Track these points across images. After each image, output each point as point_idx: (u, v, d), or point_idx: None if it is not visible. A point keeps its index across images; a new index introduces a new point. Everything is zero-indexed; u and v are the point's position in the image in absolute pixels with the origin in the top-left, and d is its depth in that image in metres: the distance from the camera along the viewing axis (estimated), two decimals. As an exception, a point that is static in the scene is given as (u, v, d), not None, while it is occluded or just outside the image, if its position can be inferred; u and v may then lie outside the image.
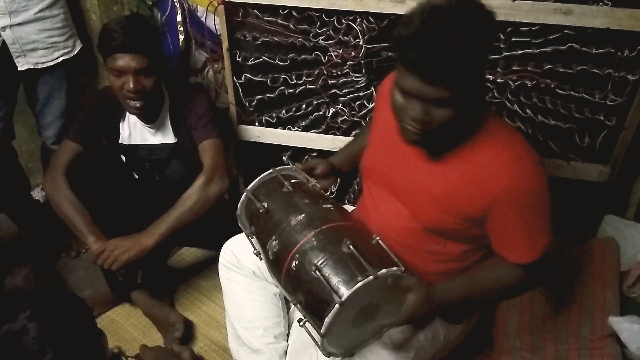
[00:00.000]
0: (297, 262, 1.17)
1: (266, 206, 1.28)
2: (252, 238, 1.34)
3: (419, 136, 1.08)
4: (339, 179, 1.55)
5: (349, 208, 1.51)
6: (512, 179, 1.09)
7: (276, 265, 1.23)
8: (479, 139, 1.14)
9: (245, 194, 1.36)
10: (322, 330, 1.09)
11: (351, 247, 1.12)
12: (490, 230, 1.16)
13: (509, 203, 1.10)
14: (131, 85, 1.59)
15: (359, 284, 1.06)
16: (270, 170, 1.37)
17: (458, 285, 1.19)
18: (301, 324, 1.17)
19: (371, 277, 1.06)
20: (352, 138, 1.60)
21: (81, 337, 0.95)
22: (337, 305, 1.06)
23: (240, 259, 1.48)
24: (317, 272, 1.11)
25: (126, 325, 1.86)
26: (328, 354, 1.18)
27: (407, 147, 1.21)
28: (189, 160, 1.73)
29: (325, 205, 1.27)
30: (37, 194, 2.32)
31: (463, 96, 1.03)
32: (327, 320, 1.07)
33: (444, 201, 1.16)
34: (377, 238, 1.18)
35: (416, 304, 1.10)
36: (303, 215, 1.22)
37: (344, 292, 1.06)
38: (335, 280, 1.09)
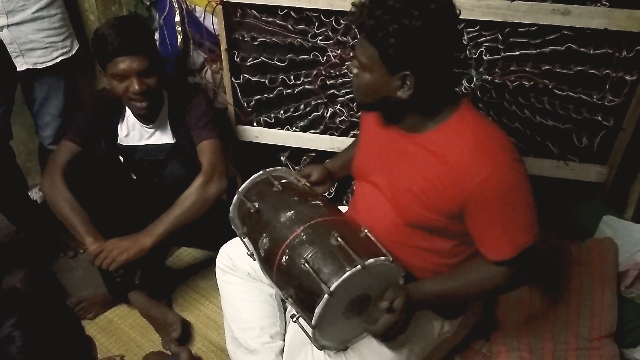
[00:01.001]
0: (287, 257, 1.18)
1: (257, 206, 1.30)
2: (245, 238, 1.35)
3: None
4: (335, 184, 1.57)
5: (345, 209, 1.52)
6: (485, 175, 1.09)
7: (267, 261, 1.24)
8: (451, 129, 1.15)
9: (236, 195, 1.37)
10: (313, 322, 1.10)
11: (339, 239, 1.14)
12: (469, 226, 1.17)
13: (483, 199, 1.11)
14: (136, 87, 1.58)
15: (347, 273, 1.08)
16: (261, 172, 1.38)
17: (436, 285, 1.20)
18: (294, 319, 1.18)
19: (359, 266, 1.08)
20: (349, 144, 1.62)
21: (67, 346, 0.93)
22: (326, 296, 1.07)
23: (235, 262, 1.49)
24: (306, 265, 1.12)
25: (124, 325, 1.85)
26: (321, 347, 1.19)
27: (390, 146, 1.24)
28: (188, 160, 1.73)
29: (314, 202, 1.29)
30: (35, 194, 2.31)
31: (392, 62, 1.08)
32: (317, 311, 1.08)
33: (423, 198, 1.18)
34: (366, 230, 1.20)
35: (396, 314, 1.13)
36: (292, 212, 1.24)
37: (333, 282, 1.08)
38: (324, 271, 1.11)
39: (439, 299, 1.22)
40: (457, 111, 1.16)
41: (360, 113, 1.82)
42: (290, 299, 1.19)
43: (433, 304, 1.26)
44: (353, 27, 1.14)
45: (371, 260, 1.10)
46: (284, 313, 1.50)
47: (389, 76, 1.11)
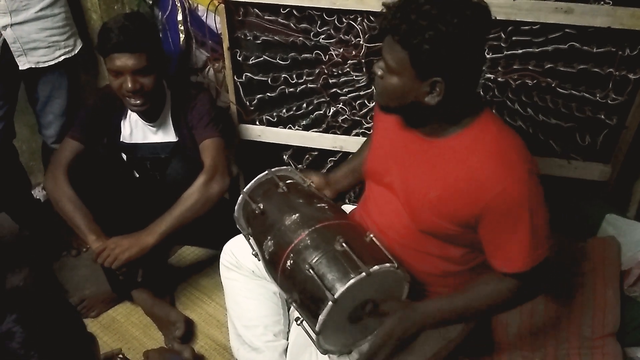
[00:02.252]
0: (291, 262, 1.17)
1: (262, 207, 1.29)
2: (250, 239, 1.35)
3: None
4: (336, 196, 1.56)
5: (350, 207, 1.52)
6: (501, 188, 1.08)
7: (272, 265, 1.24)
8: (472, 135, 1.14)
9: (241, 195, 1.37)
10: (317, 328, 1.10)
11: (344, 245, 1.13)
12: (482, 237, 1.16)
13: (498, 212, 1.09)
14: (129, 85, 1.58)
15: (352, 281, 1.07)
16: (266, 172, 1.38)
17: (442, 305, 1.20)
18: (298, 322, 1.17)
19: (364, 274, 1.07)
20: (352, 155, 1.61)
21: (68, 341, 0.94)
22: (330, 303, 1.07)
23: (239, 259, 1.49)
24: (311, 270, 1.12)
25: (127, 324, 1.86)
26: (325, 352, 1.19)
27: (407, 149, 1.22)
28: (190, 159, 1.73)
29: (319, 205, 1.28)
30: (38, 193, 2.32)
31: (421, 68, 1.05)
32: (321, 318, 1.08)
33: (438, 206, 1.16)
34: (371, 235, 1.19)
35: (389, 328, 1.14)
36: (297, 215, 1.23)
37: (337, 289, 1.07)
38: (328, 278, 1.10)
39: (446, 318, 1.22)
40: (479, 117, 1.14)
41: (362, 111, 1.83)
42: (294, 303, 1.18)
43: (441, 324, 1.25)
44: (382, 29, 1.11)
45: (376, 267, 1.09)
46: (288, 311, 1.50)
47: (418, 81, 1.08)
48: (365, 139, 1.65)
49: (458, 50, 1.03)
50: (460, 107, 1.14)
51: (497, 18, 1.53)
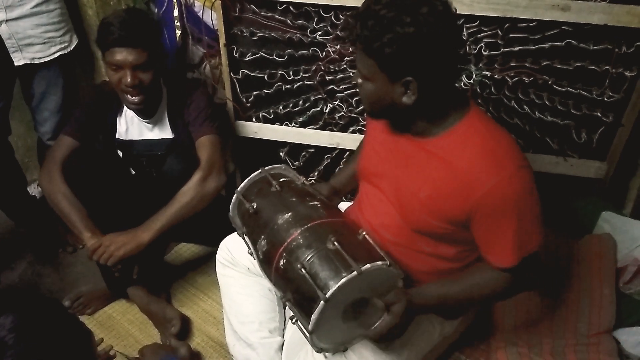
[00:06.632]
0: (284, 261, 1.17)
1: (255, 206, 1.29)
2: (245, 238, 1.35)
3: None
4: (342, 199, 1.56)
5: (346, 204, 1.52)
6: (492, 184, 1.08)
7: (266, 264, 1.24)
8: (459, 134, 1.14)
9: (235, 195, 1.37)
10: (310, 327, 1.09)
11: (336, 243, 1.13)
12: (475, 233, 1.16)
13: (489, 208, 1.10)
14: (129, 80, 1.58)
15: (343, 279, 1.07)
16: (260, 170, 1.38)
17: (437, 290, 1.20)
18: (293, 321, 1.17)
19: (355, 272, 1.07)
20: (351, 157, 1.60)
21: (64, 344, 0.92)
22: (322, 302, 1.06)
23: (235, 256, 1.49)
24: (303, 269, 1.12)
25: (123, 321, 1.86)
26: (320, 350, 1.19)
27: (397, 150, 1.23)
28: (186, 156, 1.73)
29: (312, 203, 1.27)
30: (34, 190, 2.31)
31: (392, 71, 1.08)
32: (313, 317, 1.08)
33: (429, 205, 1.17)
34: (364, 233, 1.19)
35: (400, 310, 1.11)
36: (290, 213, 1.23)
37: (329, 288, 1.07)
38: (320, 277, 1.10)
39: (441, 304, 1.22)
40: (465, 116, 1.15)
41: (359, 108, 1.83)
42: (288, 302, 1.18)
43: (435, 309, 1.26)
44: (349, 41, 1.14)
45: (367, 265, 1.09)
46: (284, 309, 1.50)
47: (391, 84, 1.09)
48: (362, 136, 1.65)
49: (420, 48, 1.04)
50: (442, 105, 1.15)
51: (494, 15, 1.53)
